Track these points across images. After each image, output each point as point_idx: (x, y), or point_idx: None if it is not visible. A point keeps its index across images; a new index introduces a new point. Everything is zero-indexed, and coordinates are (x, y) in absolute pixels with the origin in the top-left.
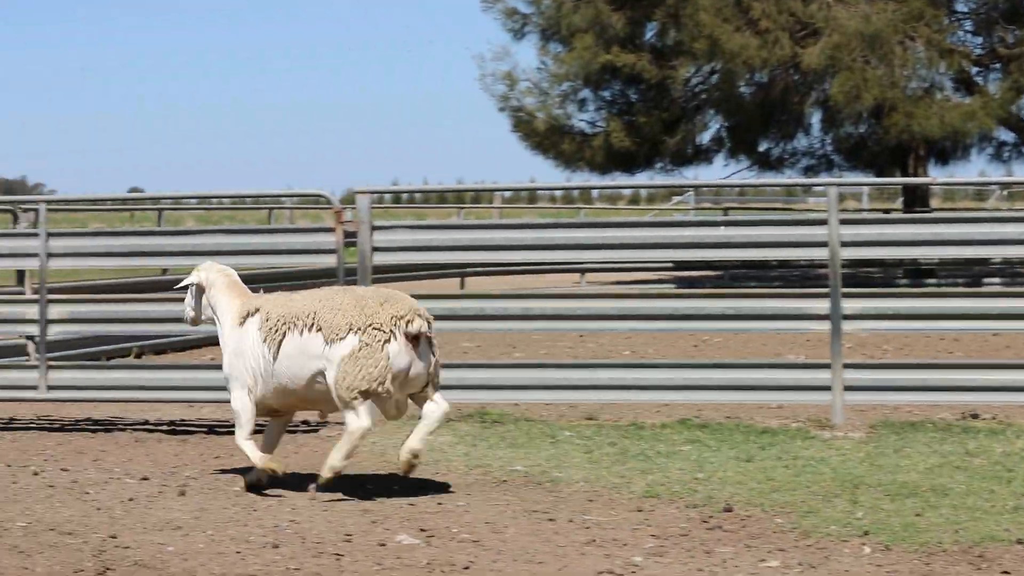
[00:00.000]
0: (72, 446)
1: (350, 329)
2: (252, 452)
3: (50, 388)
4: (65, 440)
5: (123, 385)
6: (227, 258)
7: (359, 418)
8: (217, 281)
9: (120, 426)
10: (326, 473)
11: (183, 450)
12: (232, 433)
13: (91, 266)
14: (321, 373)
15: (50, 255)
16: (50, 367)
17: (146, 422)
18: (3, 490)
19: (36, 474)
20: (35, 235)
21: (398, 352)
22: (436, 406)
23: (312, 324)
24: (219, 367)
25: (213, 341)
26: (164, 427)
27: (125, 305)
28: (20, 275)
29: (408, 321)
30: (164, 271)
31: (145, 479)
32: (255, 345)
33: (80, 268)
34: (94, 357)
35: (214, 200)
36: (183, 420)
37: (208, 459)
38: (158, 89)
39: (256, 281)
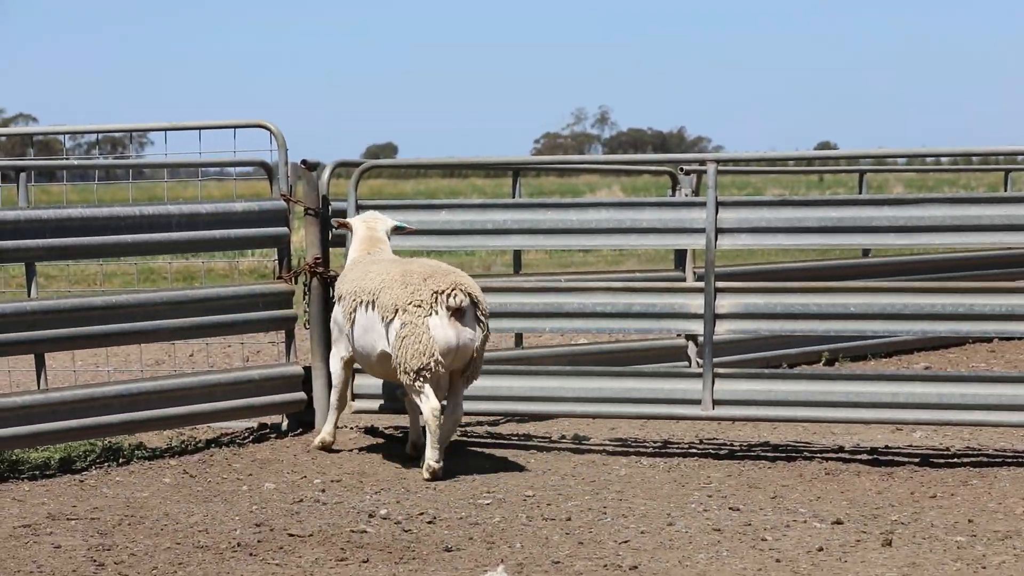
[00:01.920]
0: (744, 478)
1: (396, 309)
2: (327, 422)
3: (716, 403)
4: (735, 470)
5: (809, 401)
6: (950, 235)
7: (427, 400)
8: (357, 231)
9: (806, 454)
10: (425, 474)
11: (888, 487)
12: None
13: (770, 245)
14: (387, 352)
15: (719, 230)
16: (717, 376)
17: (840, 449)
18: (656, 533)
19: (699, 514)
20: (700, 204)
21: (440, 326)
22: (451, 408)
23: (372, 301)
24: (935, 378)
25: (927, 345)
26: (863, 456)
27: (814, 296)
28: (680, 256)
29: (449, 295)
30: (866, 252)
31: (838, 523)
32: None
33: (755, 248)
34: (772, 364)
35: (930, 160)
36: (888, 447)
37: (922, 499)
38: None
39: (988, 266)
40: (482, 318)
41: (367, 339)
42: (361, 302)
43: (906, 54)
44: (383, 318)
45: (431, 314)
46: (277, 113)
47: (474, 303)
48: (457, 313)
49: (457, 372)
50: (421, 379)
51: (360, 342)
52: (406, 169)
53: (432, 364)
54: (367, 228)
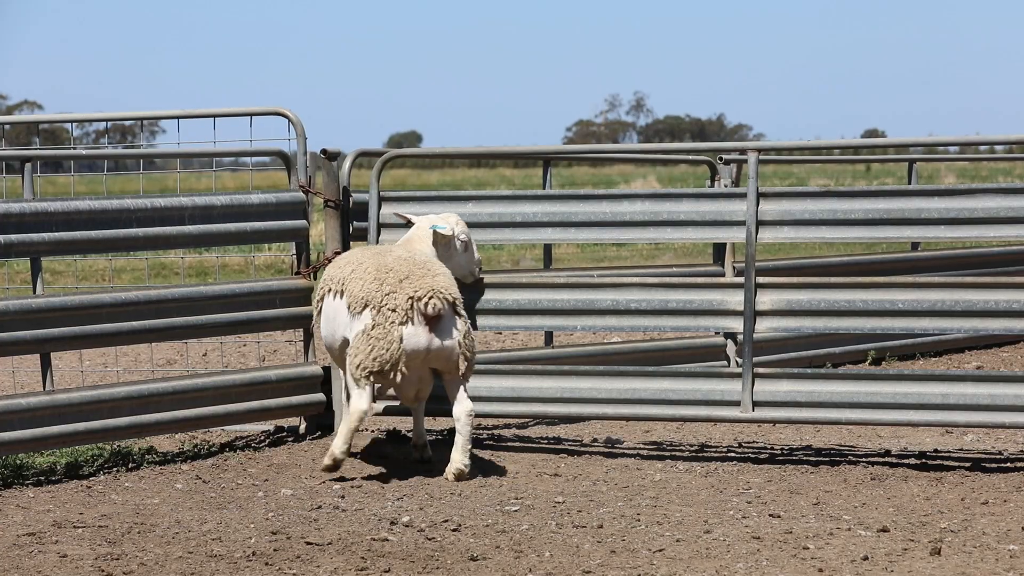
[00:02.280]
0: (785, 484)
1: (366, 305)
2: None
3: (756, 405)
4: (776, 475)
5: (853, 402)
6: (1005, 227)
7: (360, 399)
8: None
9: (851, 458)
10: (326, 459)
11: (937, 492)
12: None
13: (814, 238)
14: (347, 342)
15: (761, 223)
16: (757, 376)
17: (887, 453)
18: (692, 541)
19: (738, 521)
20: (740, 195)
21: (413, 334)
22: (460, 408)
23: (341, 291)
24: (987, 379)
25: (979, 343)
26: (911, 460)
27: (859, 292)
28: (718, 250)
29: (426, 302)
30: (915, 246)
31: (884, 531)
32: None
33: (798, 241)
34: (815, 364)
35: (983, 148)
36: (937, 451)
37: (973, 505)
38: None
39: None
40: (460, 321)
41: (331, 328)
42: (330, 290)
43: (959, 35)
44: (350, 310)
45: (406, 322)
46: (295, 100)
47: (452, 306)
48: (433, 320)
49: (443, 372)
50: (369, 380)
51: (325, 330)
52: (431, 159)
53: (392, 373)
54: (418, 226)
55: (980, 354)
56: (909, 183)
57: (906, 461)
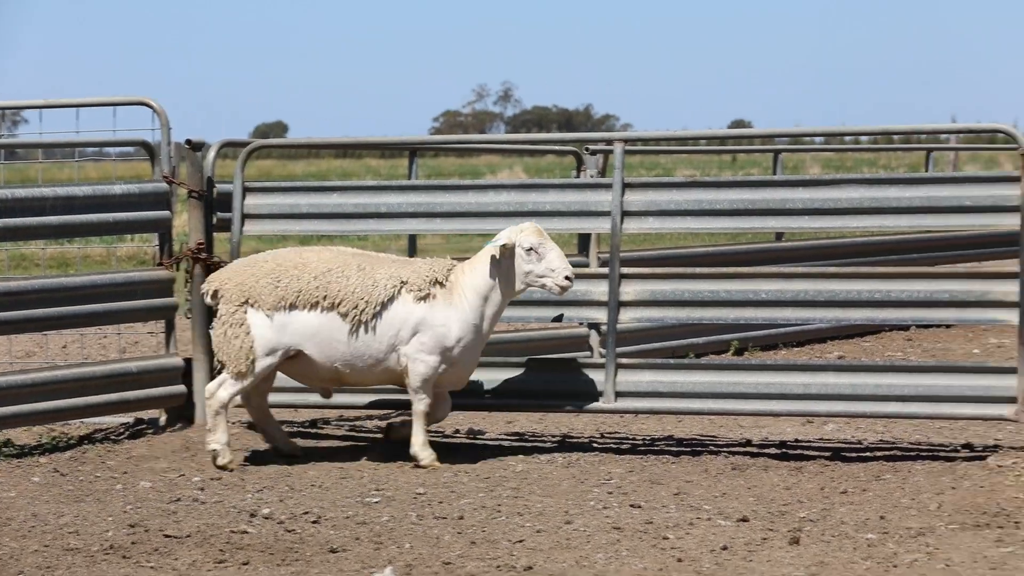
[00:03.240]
0: (647, 474)
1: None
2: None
3: (619, 395)
4: (637, 466)
5: (715, 392)
6: (867, 218)
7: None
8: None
9: (712, 448)
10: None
11: (797, 482)
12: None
13: (679, 229)
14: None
15: (626, 213)
16: (620, 367)
17: (748, 443)
18: (553, 532)
19: (598, 511)
20: (606, 186)
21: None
22: None
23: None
24: (849, 368)
25: (841, 333)
26: (772, 450)
27: (723, 282)
28: (583, 240)
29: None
30: (779, 236)
31: (744, 520)
32: None
33: (663, 232)
34: (678, 354)
35: (848, 139)
36: (798, 441)
37: (832, 495)
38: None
39: (906, 250)
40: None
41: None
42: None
43: (824, 28)
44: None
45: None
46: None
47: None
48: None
49: None
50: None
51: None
52: (296, 149)
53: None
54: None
55: (842, 344)
56: (774, 173)
57: (767, 451)
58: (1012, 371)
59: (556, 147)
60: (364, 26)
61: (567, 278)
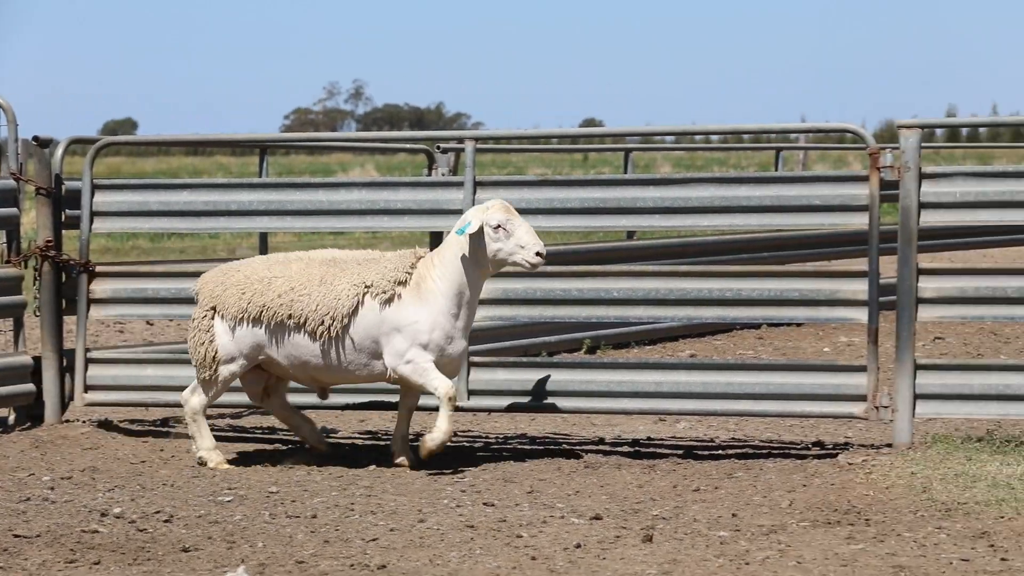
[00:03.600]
0: (500, 472)
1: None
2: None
3: (472, 394)
4: (491, 464)
5: (568, 391)
6: (718, 217)
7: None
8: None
9: (565, 446)
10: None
11: (650, 480)
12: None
13: (534, 227)
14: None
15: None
16: (472, 365)
17: (601, 441)
18: (406, 531)
19: (452, 510)
20: (457, 184)
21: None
22: None
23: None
24: (700, 367)
25: (692, 332)
26: (625, 448)
27: (575, 281)
28: (436, 239)
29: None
30: (631, 235)
31: (597, 519)
32: None
33: None
34: (531, 352)
35: (698, 138)
36: (650, 439)
37: (684, 492)
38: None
39: (758, 249)
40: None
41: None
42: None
43: (674, 27)
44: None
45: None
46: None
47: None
48: None
49: None
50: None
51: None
52: (146, 146)
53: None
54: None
55: (694, 342)
56: (625, 172)
57: (620, 449)
58: (862, 369)
59: (408, 145)
60: (215, 23)
61: (538, 254)
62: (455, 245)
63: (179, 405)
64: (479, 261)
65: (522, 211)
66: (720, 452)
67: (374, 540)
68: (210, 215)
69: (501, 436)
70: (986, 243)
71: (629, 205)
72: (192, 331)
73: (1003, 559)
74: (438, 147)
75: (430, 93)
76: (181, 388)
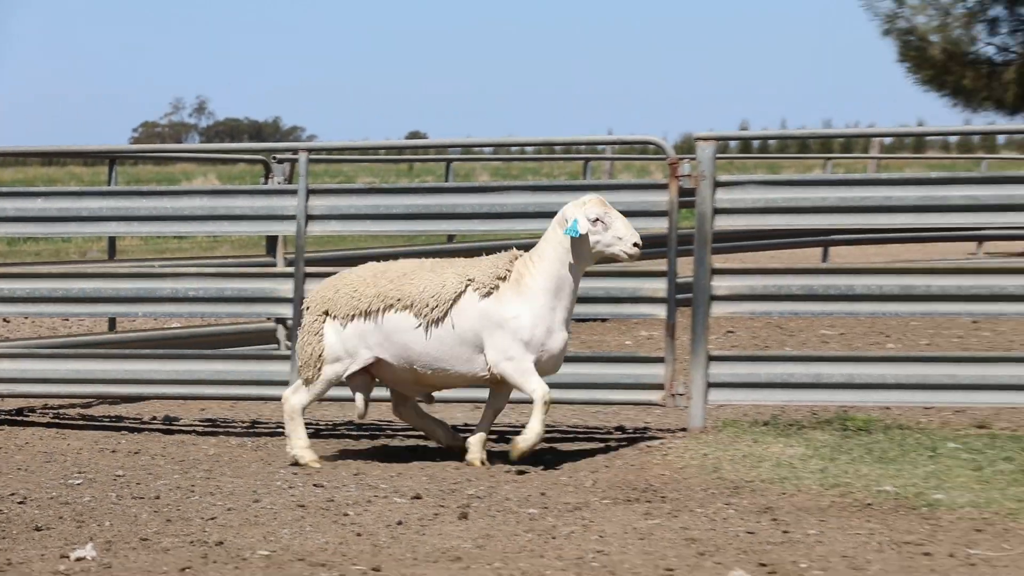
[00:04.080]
0: (329, 456)
1: None
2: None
3: None
4: (321, 448)
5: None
6: (532, 221)
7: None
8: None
9: (389, 432)
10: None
11: (466, 462)
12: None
13: (359, 231)
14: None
15: (310, 217)
16: None
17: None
18: (242, 510)
19: (284, 491)
20: (292, 192)
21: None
22: None
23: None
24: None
25: None
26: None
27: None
28: (271, 242)
29: None
30: (451, 238)
31: (418, 498)
32: None
33: (345, 234)
34: None
35: (514, 149)
36: (467, 424)
37: (498, 474)
38: (444, 13)
39: None
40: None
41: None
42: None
43: (492, 43)
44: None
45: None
46: None
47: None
48: None
49: None
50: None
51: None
52: (3, 157)
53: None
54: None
55: None
56: (447, 181)
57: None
58: (660, 360)
59: (247, 156)
60: (66, 40)
61: (635, 244)
62: (554, 241)
63: (35, 396)
64: (579, 255)
65: (351, 217)
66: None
67: (212, 519)
68: (63, 220)
69: (331, 423)
70: (775, 246)
71: (450, 211)
72: (302, 335)
73: (784, 531)
74: (274, 158)
75: (268, 108)
76: (35, 380)
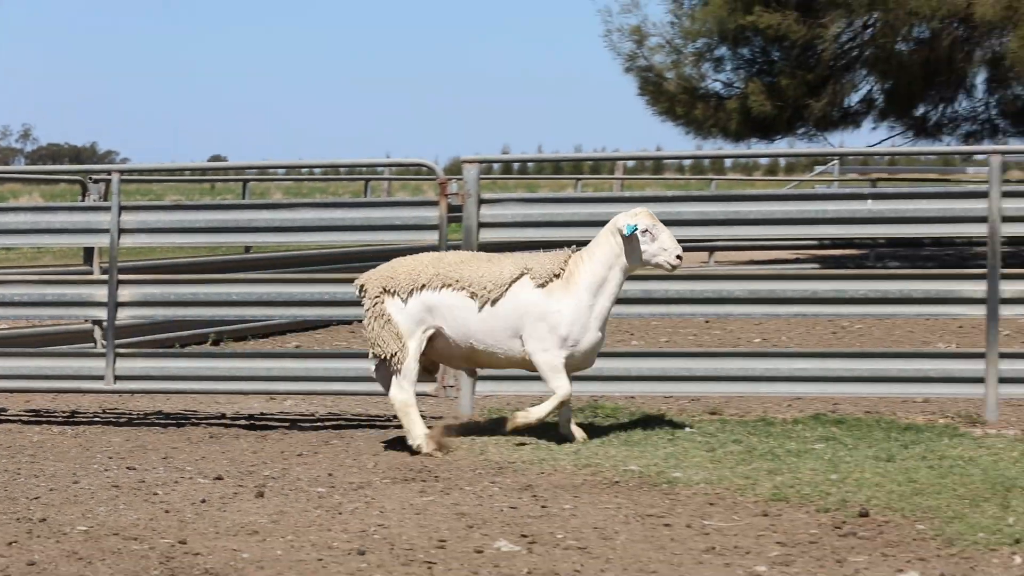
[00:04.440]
0: (140, 442)
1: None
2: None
3: (117, 378)
4: (132, 436)
5: (198, 375)
6: (319, 234)
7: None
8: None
9: (193, 420)
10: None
11: (263, 447)
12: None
13: (167, 243)
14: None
15: (122, 231)
16: (118, 355)
17: (223, 416)
18: (63, 490)
19: (101, 473)
20: (106, 209)
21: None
22: None
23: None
24: (303, 355)
25: (297, 327)
26: (242, 422)
27: (202, 287)
28: (88, 253)
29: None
30: (248, 249)
31: (219, 479)
32: None
33: (154, 246)
34: (166, 344)
35: (304, 170)
36: (263, 414)
37: (290, 457)
38: (243, 49)
39: (350, 260)
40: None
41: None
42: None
43: (285, 80)
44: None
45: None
46: None
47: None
48: None
49: None
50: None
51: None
52: None
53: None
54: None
55: (299, 336)
56: (244, 199)
57: (238, 423)
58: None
59: (66, 177)
60: None
61: (678, 256)
62: (606, 244)
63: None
64: (630, 259)
65: (160, 230)
66: (319, 424)
67: (37, 498)
68: None
69: (142, 412)
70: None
71: (247, 225)
72: (368, 321)
73: (543, 506)
74: (91, 178)
75: (86, 134)
76: None
